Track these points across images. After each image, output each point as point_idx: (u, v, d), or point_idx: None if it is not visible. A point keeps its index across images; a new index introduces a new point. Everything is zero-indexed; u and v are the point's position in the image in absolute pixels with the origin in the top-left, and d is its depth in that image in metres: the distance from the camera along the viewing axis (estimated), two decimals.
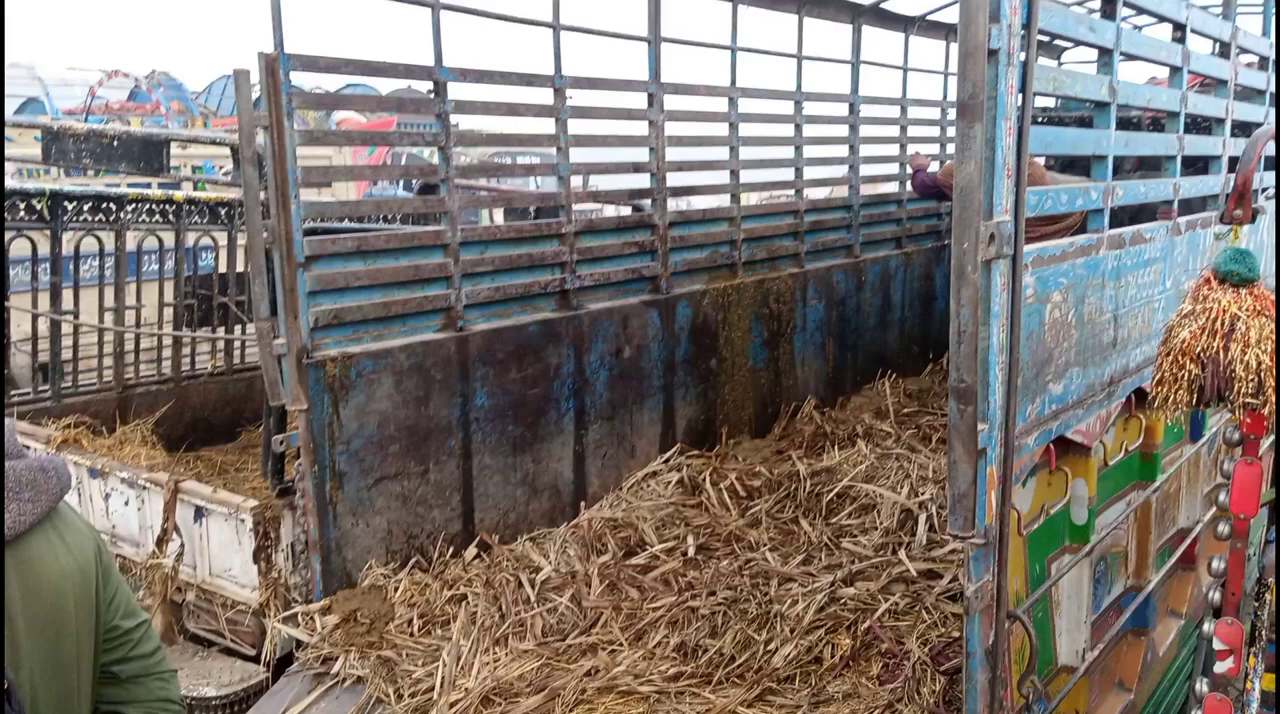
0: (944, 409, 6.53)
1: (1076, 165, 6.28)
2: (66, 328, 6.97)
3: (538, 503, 5.49)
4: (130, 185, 10.21)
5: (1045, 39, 6.05)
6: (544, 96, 5.57)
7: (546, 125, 5.67)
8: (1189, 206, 4.50)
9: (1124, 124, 4.35)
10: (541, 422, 5.48)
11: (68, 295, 6.99)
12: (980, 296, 2.54)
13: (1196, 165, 4.96)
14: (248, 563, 4.69)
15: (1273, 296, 2.77)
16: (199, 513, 4.89)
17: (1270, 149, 3.94)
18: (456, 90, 5.05)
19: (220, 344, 7.84)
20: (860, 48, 8.01)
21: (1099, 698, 3.94)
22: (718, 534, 5.29)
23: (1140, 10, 4.29)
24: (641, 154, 6.25)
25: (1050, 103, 9.42)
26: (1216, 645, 2.93)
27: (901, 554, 4.87)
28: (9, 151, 11.00)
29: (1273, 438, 2.94)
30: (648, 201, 6.42)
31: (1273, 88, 5.38)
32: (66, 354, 6.96)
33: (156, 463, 5.99)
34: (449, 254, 5.06)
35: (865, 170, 8.29)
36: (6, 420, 1.85)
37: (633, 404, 6.05)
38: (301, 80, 6.93)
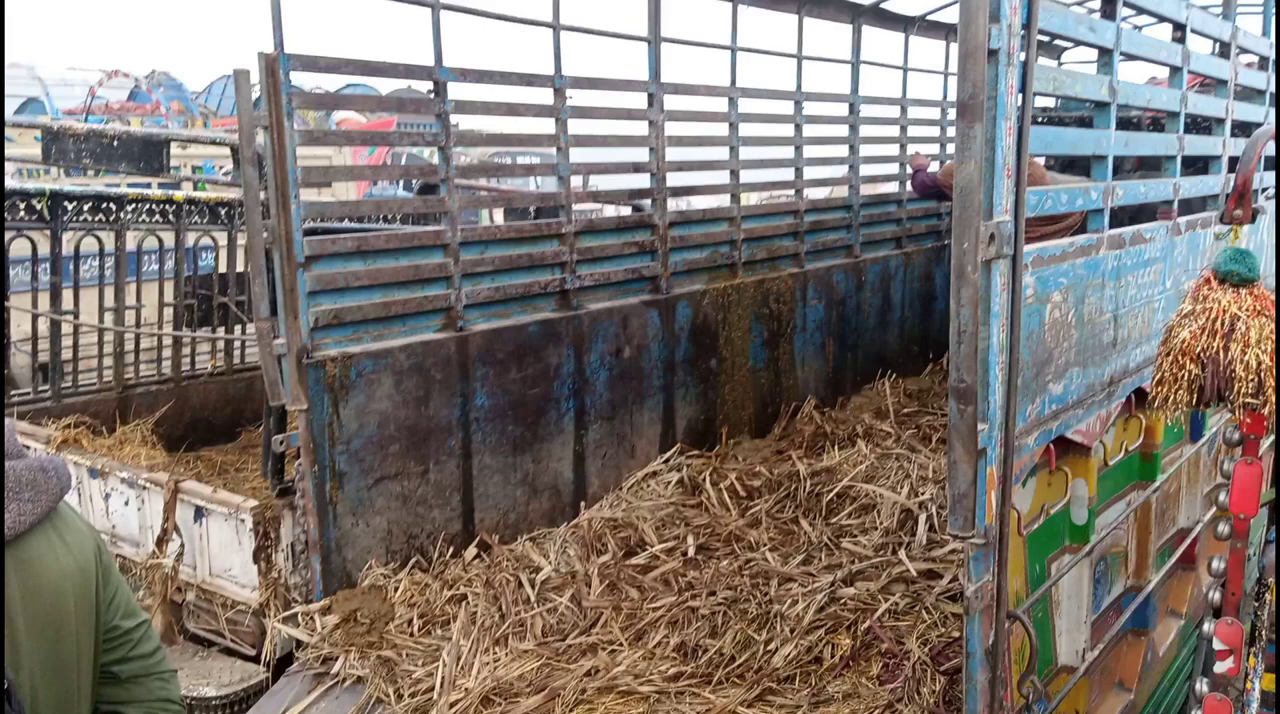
0: (944, 409, 6.53)
1: (1076, 165, 6.28)
2: (66, 328, 6.97)
3: (538, 503, 5.49)
4: (130, 185, 10.21)
5: (1045, 39, 6.05)
6: (544, 96, 5.57)
7: (546, 125, 5.67)
8: (1189, 206, 4.50)
9: (1124, 124, 4.35)
10: (541, 422, 5.48)
11: (68, 295, 6.99)
12: (980, 296, 2.54)
13: (1196, 165, 4.96)
14: (248, 563, 4.69)
15: (1273, 296, 2.77)
16: (199, 513, 4.89)
17: (1270, 149, 3.94)
18: (456, 90, 5.05)
19: (220, 344, 7.84)
20: (860, 48, 8.01)
21: (1099, 698, 3.94)
22: (718, 534, 5.29)
23: (1140, 10, 4.29)
24: (641, 154, 6.25)
25: (1050, 103, 9.42)
26: (1216, 645, 2.93)
27: (901, 554, 4.87)
28: (9, 151, 11.00)
29: (1273, 438, 2.94)
30: (648, 201, 6.42)
31: (1273, 88, 5.38)
32: (66, 354, 6.96)
33: (156, 463, 5.99)
34: (449, 254, 5.06)
35: (865, 170, 8.29)
36: (6, 420, 1.85)
37: (633, 404, 6.05)
38: (301, 80, 6.93)
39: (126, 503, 5.21)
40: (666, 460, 6.19)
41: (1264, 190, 5.17)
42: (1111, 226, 3.66)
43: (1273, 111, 5.38)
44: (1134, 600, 4.07)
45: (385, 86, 15.45)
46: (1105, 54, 3.65)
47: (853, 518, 5.41)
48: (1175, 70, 4.31)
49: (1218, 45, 4.86)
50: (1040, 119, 9.14)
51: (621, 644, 4.32)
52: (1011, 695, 2.93)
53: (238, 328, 7.82)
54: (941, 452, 6.06)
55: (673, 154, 6.33)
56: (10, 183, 7.94)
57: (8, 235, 6.67)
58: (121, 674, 2.01)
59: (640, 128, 6.18)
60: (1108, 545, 4.02)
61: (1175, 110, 4.29)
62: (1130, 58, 3.89)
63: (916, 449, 6.29)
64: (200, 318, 7.70)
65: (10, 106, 16.52)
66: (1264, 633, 3.45)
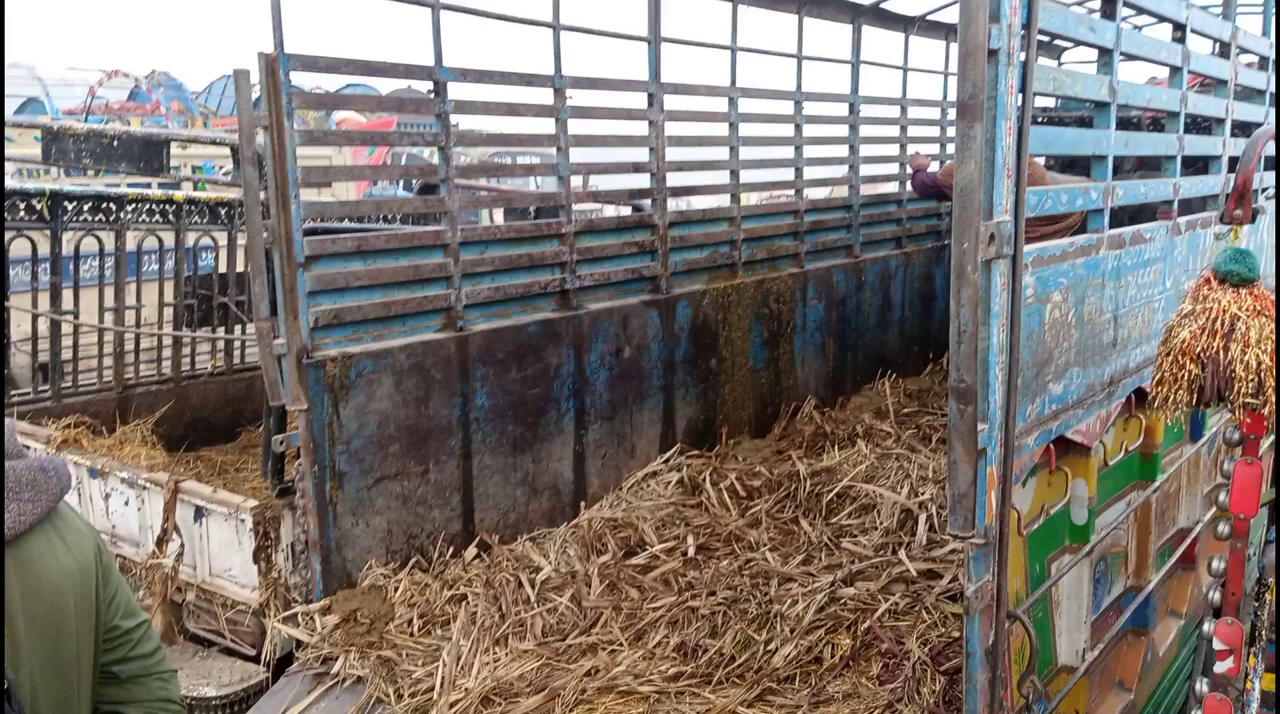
0: (944, 409, 6.53)
1: (1076, 165, 6.28)
2: (66, 328, 6.97)
3: (538, 503, 5.49)
4: (130, 185, 10.21)
5: (1045, 39, 6.05)
6: (544, 96, 5.57)
7: (546, 125, 5.67)
8: (1189, 206, 4.50)
9: (1124, 124, 4.35)
10: (541, 422, 5.48)
11: (68, 295, 6.99)
12: (980, 296, 2.54)
13: (1196, 165, 4.96)
14: (248, 563, 4.69)
15: (1273, 296, 2.77)
16: (199, 513, 4.89)
17: (1270, 149, 3.94)
18: (456, 90, 5.05)
19: (220, 344, 7.84)
20: (860, 48, 8.01)
21: (1099, 698, 3.94)
22: (718, 534, 5.29)
23: (1140, 10, 4.29)
24: (641, 154, 6.25)
25: (1050, 103, 9.42)
26: (1216, 645, 2.93)
27: (901, 554, 4.87)
28: (9, 151, 11.00)
29: (1273, 438, 2.94)
30: (648, 201, 6.42)
31: (1273, 88, 5.38)
32: (66, 354, 6.96)
33: (156, 463, 5.99)
34: (449, 254, 5.06)
35: (865, 170, 8.29)
36: (6, 420, 1.85)
37: (633, 404, 6.05)
38: (301, 80, 6.93)
39: (126, 503, 5.21)
40: (666, 460, 6.19)
41: (1264, 190, 5.17)
42: (1111, 226, 3.66)
43: (1273, 111, 5.38)
44: (1134, 600, 4.07)
45: (385, 86, 15.46)
46: (1105, 54, 3.65)
47: (853, 518, 5.41)
48: (1175, 70, 4.31)
49: (1218, 45, 4.85)
50: (1040, 119, 9.14)
51: (621, 644, 4.32)
52: (1011, 695, 2.93)
53: (238, 328, 7.82)
54: (941, 452, 6.06)
55: (673, 154, 6.33)
56: (10, 183, 7.94)
57: (8, 235, 6.67)
58: (121, 674, 2.01)
59: (640, 128, 6.17)
60: (1108, 545, 4.02)
61: (1175, 110, 4.29)
62: (1130, 58, 3.89)
63: (916, 449, 6.29)
64: (200, 318, 7.70)
65: (10, 106, 16.52)
66: (1264, 633, 3.45)
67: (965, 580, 2.74)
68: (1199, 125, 5.01)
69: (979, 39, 2.44)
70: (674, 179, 6.39)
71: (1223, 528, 2.94)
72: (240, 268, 7.69)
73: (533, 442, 5.43)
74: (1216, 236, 4.56)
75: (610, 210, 8.50)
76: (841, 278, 7.89)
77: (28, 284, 6.93)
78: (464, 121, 6.98)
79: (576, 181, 7.63)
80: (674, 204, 6.68)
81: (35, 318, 6.99)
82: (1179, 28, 4.38)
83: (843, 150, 8.09)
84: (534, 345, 5.42)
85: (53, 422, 6.24)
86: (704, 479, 5.90)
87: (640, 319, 6.08)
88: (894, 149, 8.67)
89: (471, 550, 5.04)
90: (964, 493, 2.59)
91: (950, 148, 9.11)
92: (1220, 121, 4.81)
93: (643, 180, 6.32)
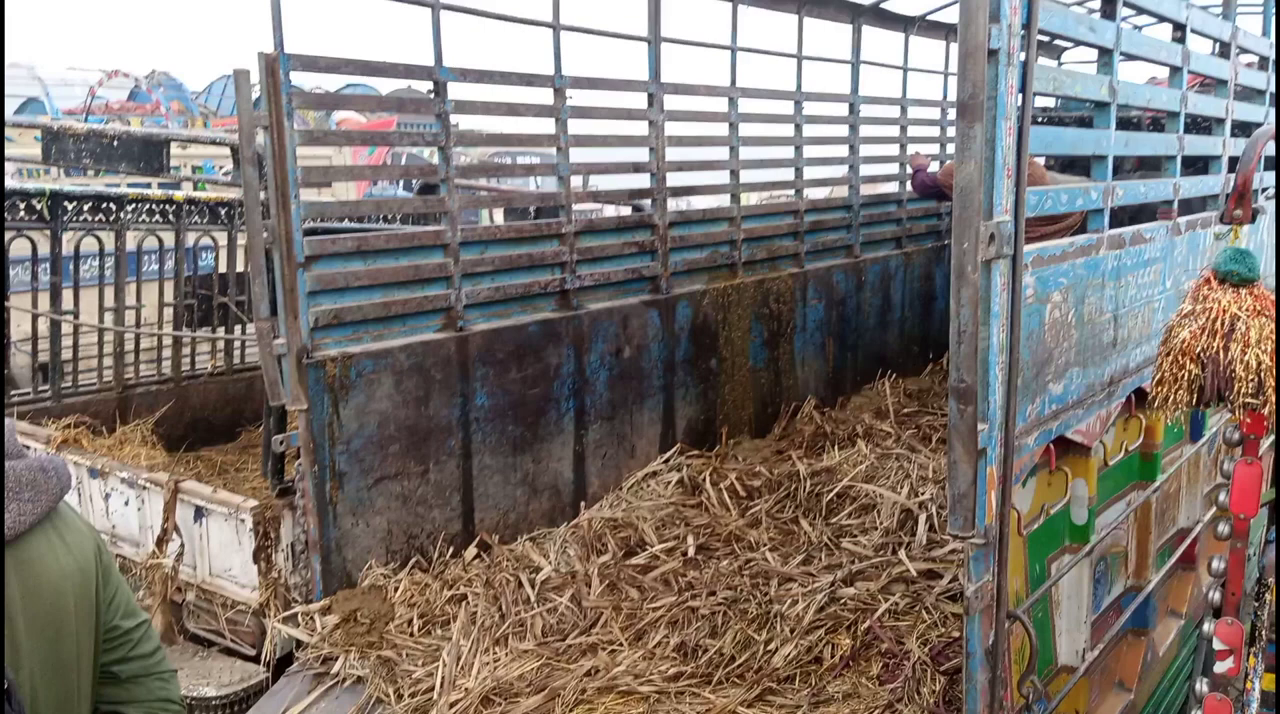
0: (944, 409, 6.53)
1: (1076, 165, 6.28)
2: (66, 328, 6.97)
3: (538, 503, 5.49)
4: (130, 185, 10.21)
5: (1045, 39, 6.05)
6: (544, 96, 5.57)
7: (546, 125, 5.67)
8: (1189, 206, 4.50)
9: (1124, 124, 4.35)
10: (541, 422, 5.48)
11: (68, 295, 6.98)
12: (980, 296, 2.54)
13: (1196, 165, 4.96)
14: (248, 563, 4.69)
15: (1273, 296, 2.77)
16: (199, 513, 4.89)
17: (1270, 149, 3.94)
18: (456, 90, 5.05)
19: (220, 344, 7.84)
20: (860, 48, 8.01)
21: (1099, 698, 3.94)
22: (718, 534, 5.29)
23: (1140, 10, 4.29)
24: (641, 154, 6.25)
25: (1050, 103, 9.42)
26: (1216, 645, 2.93)
27: (901, 554, 4.87)
28: (9, 151, 11.00)
29: (1273, 438, 2.94)
30: (648, 201, 6.42)
31: (1273, 88, 5.38)
32: (66, 354, 6.95)
33: (156, 463, 5.99)
34: (449, 254, 5.06)
35: (865, 170, 8.29)
36: (6, 420, 1.85)
37: (633, 404, 6.05)
38: (301, 80, 6.93)
39: (126, 503, 5.21)
40: (666, 460, 6.19)
41: (1264, 190, 5.17)
42: (1111, 226, 3.66)
43: (1273, 111, 5.38)
44: (1134, 600, 4.07)
45: (385, 86, 15.47)
46: (1105, 54, 3.65)
47: (853, 518, 5.41)
48: (1175, 70, 4.31)
49: (1218, 45, 4.85)
50: (1040, 119, 9.14)
51: (621, 644, 4.32)
52: (1011, 695, 2.94)
53: (238, 328, 7.81)
54: (941, 452, 6.06)
55: (673, 154, 6.33)
56: (10, 183, 7.94)
57: (8, 235, 6.67)
58: (121, 674, 2.01)
59: (640, 128, 6.17)
60: (1108, 545, 4.02)
61: (1175, 110, 4.29)
62: (1130, 58, 3.89)
63: (916, 449, 6.29)
64: (200, 318, 7.70)
65: (10, 106, 16.52)
66: (1264, 633, 3.45)
67: (965, 580, 2.74)
68: (1199, 125, 5.01)
69: (979, 39, 2.44)
70: (674, 179, 6.39)
71: (1223, 528, 2.94)
72: (240, 268, 7.68)
73: (533, 442, 5.43)
74: (1216, 236, 4.56)
75: (610, 210, 8.50)
76: (841, 278, 7.89)
77: (28, 284, 6.92)
78: (464, 121, 6.99)
79: (576, 181, 7.61)
80: (674, 204, 6.68)
81: (35, 318, 6.99)
82: (1179, 28, 4.38)
83: (843, 150, 8.09)
84: (534, 345, 5.42)
85: (53, 422, 6.24)
86: (704, 479, 5.90)
87: (640, 319, 6.08)
88: (894, 149, 8.67)
89: (471, 550, 5.04)
90: (964, 493, 2.59)
91: (950, 148, 9.11)
92: (1220, 121, 4.82)
93: (643, 180, 6.32)
